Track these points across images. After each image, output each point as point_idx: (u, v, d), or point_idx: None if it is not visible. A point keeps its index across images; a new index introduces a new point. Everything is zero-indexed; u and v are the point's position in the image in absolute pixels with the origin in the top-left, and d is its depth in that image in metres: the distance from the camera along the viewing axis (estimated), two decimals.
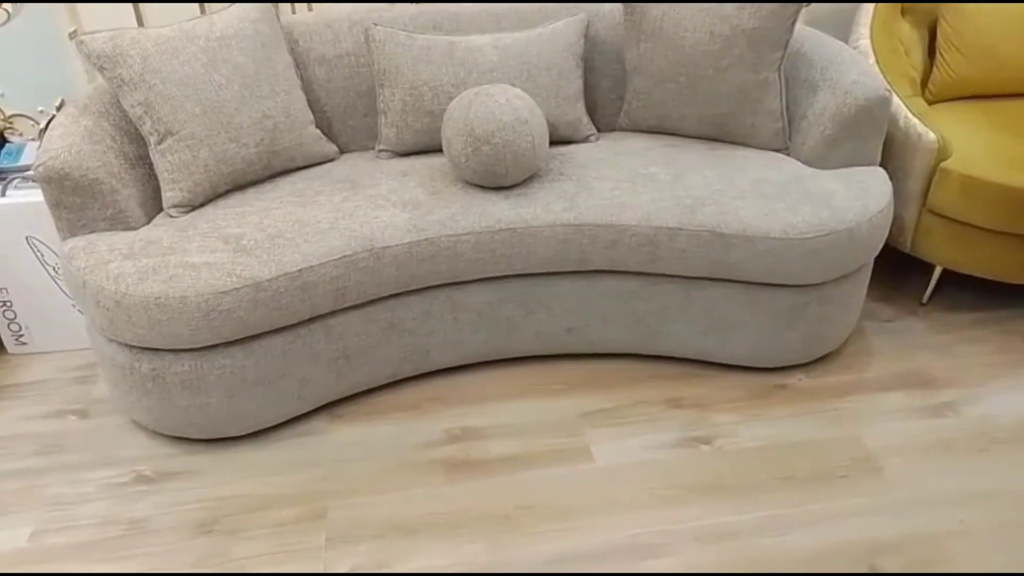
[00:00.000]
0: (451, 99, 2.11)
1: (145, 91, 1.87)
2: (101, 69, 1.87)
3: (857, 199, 1.93)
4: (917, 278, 2.38)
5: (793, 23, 2.04)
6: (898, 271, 2.42)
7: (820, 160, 2.09)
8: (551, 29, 2.21)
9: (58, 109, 2.33)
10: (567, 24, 2.22)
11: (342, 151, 2.29)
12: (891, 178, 2.06)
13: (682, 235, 1.91)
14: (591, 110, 2.33)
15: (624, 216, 1.93)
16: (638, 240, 1.93)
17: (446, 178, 2.06)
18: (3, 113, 2.37)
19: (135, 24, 2.31)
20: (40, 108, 2.37)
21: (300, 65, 2.21)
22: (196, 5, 2.31)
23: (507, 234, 1.92)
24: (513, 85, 2.11)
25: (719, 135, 2.21)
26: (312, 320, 1.87)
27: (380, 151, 2.24)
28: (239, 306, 1.73)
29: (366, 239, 1.86)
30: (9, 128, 2.39)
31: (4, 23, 2.25)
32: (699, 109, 2.17)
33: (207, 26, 1.99)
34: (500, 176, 1.96)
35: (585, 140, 2.27)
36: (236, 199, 2.00)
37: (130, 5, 2.28)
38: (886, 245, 2.15)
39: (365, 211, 1.93)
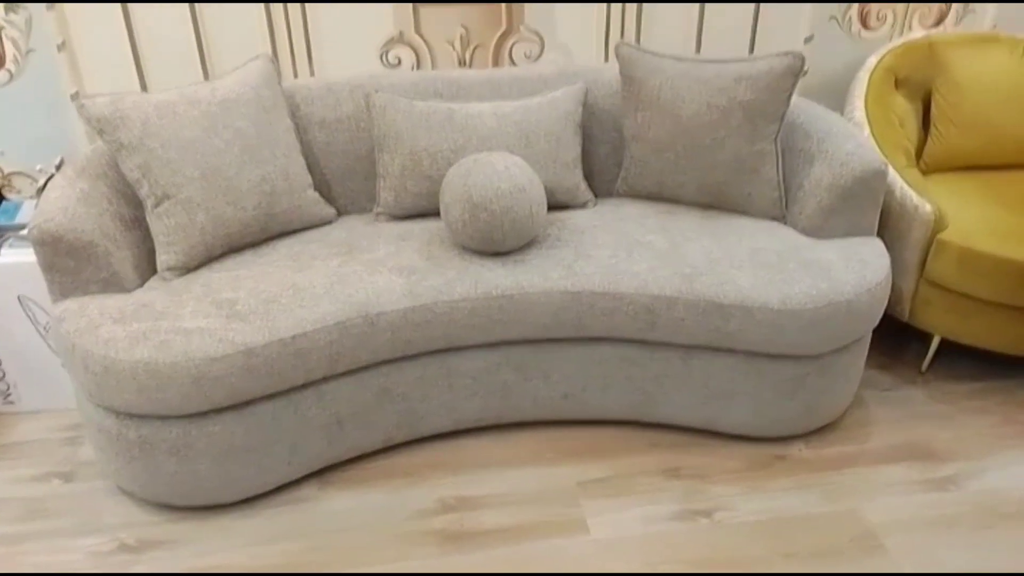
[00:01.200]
0: (450, 165, 2.12)
1: (144, 155, 1.88)
2: (101, 132, 1.87)
3: (855, 270, 1.92)
4: (916, 346, 2.37)
5: (789, 96, 2.07)
6: (896, 339, 2.41)
7: (817, 230, 2.09)
8: (550, 98, 2.23)
9: (57, 168, 2.34)
10: (566, 93, 2.24)
11: (341, 213, 2.30)
12: (888, 248, 2.07)
13: (680, 304, 1.89)
14: (589, 176, 2.35)
15: (622, 284, 1.92)
16: (636, 308, 1.91)
17: (443, 243, 2.06)
18: (2, 171, 2.37)
19: (138, 87, 2.33)
20: (39, 167, 2.38)
21: (301, 128, 2.23)
22: (199, 70, 2.33)
23: (504, 301, 1.91)
24: (512, 152, 2.13)
25: (716, 203, 2.22)
26: (304, 386, 1.84)
27: (378, 214, 2.24)
28: (230, 373, 1.70)
29: (361, 305, 1.84)
30: (7, 186, 2.40)
31: (7, 83, 2.28)
32: (697, 178, 2.19)
33: (209, 91, 2.00)
34: (497, 243, 1.96)
35: (583, 206, 2.28)
36: (232, 262, 1.99)
37: (133, 68, 2.30)
38: (884, 313, 2.14)
39: (361, 276, 1.91)
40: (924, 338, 2.30)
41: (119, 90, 2.28)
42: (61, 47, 2.25)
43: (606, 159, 2.38)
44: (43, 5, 2.19)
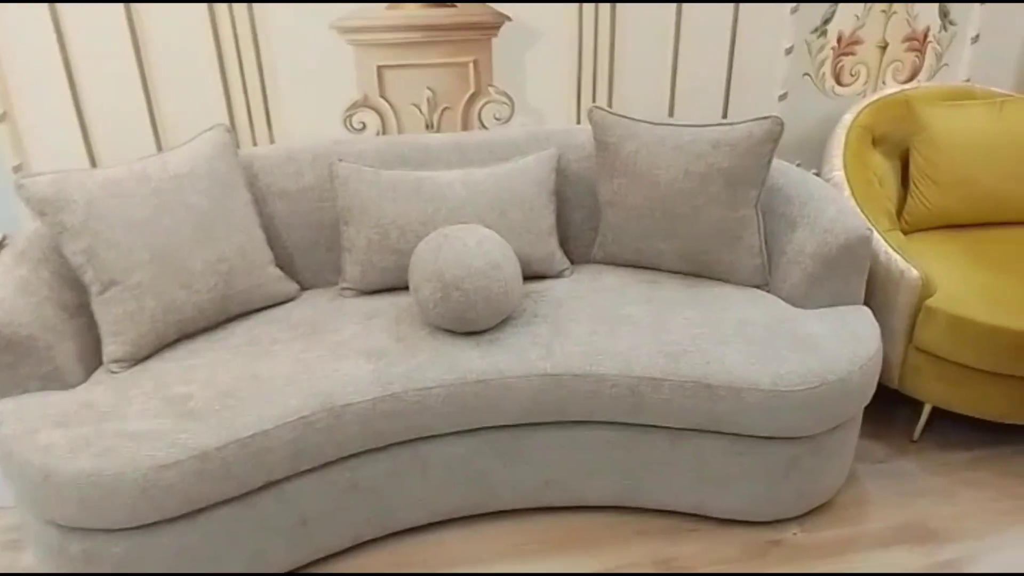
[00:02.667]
0: (419, 238, 2.01)
1: (89, 238, 1.74)
2: (42, 214, 1.74)
3: (846, 344, 1.84)
4: (907, 412, 2.28)
5: (769, 161, 2.00)
6: (887, 405, 2.33)
7: (802, 298, 2.01)
8: (522, 164, 2.14)
9: None
10: (538, 159, 2.16)
11: (304, 287, 2.17)
12: (875, 314, 1.99)
13: (666, 386, 1.79)
14: (564, 242, 2.25)
15: (603, 365, 1.81)
16: (619, 391, 1.81)
17: (413, 321, 1.94)
18: None
19: (87, 160, 2.19)
20: None
21: (260, 200, 2.11)
22: (151, 140, 2.21)
23: (479, 386, 1.79)
24: (483, 223, 2.03)
25: (697, 270, 2.14)
26: (265, 487, 1.70)
27: (343, 288, 2.12)
28: (183, 480, 1.56)
29: (326, 396, 1.71)
30: None
31: None
32: (676, 245, 2.10)
33: (159, 166, 1.88)
34: (471, 322, 1.85)
35: (559, 275, 2.18)
36: (185, 349, 1.85)
37: (81, 140, 2.17)
38: None
39: (326, 363, 1.79)
40: (915, 404, 2.22)
41: (65, 164, 2.14)
42: (2, 117, 2.11)
43: (582, 224, 2.29)
44: None
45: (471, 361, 1.81)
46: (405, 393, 1.76)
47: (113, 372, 1.78)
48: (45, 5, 2.03)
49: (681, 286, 2.10)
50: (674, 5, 2.35)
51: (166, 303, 1.81)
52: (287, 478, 1.72)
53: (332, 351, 1.83)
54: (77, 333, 1.81)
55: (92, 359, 1.82)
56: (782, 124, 1.97)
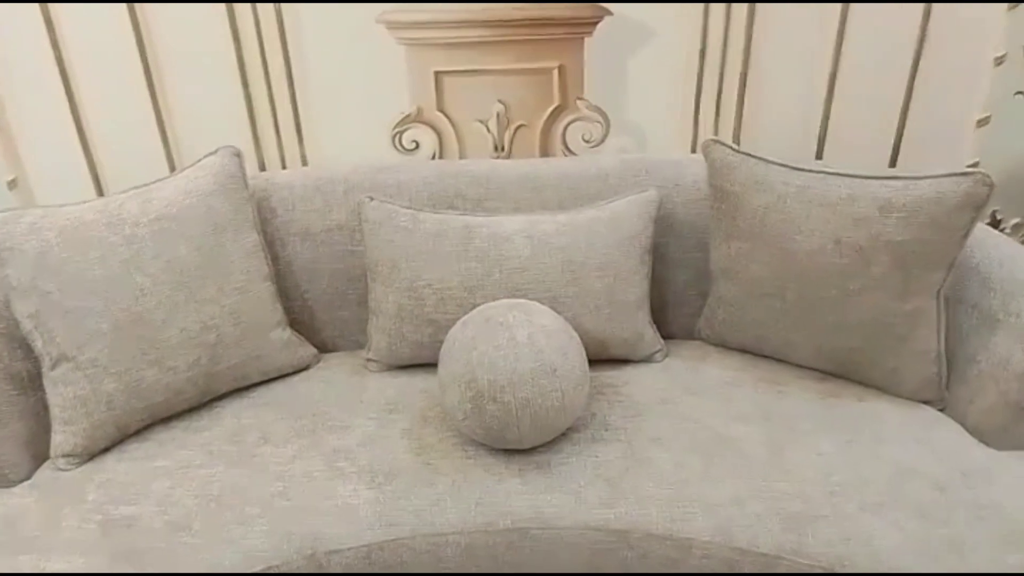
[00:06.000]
0: (461, 308, 1.53)
1: (36, 301, 1.38)
2: None
3: None
4: None
5: (965, 236, 1.38)
6: None
7: (999, 433, 1.39)
8: (609, 212, 1.61)
9: None
10: (631, 205, 1.62)
11: (327, 349, 1.76)
12: None
13: (781, 567, 1.24)
14: (661, 310, 1.72)
15: (692, 523, 1.28)
16: (711, 563, 1.27)
17: (442, 423, 1.47)
18: None
19: (90, 181, 1.85)
20: None
21: (277, 241, 1.69)
22: (163, 156, 1.83)
23: (515, 536, 1.30)
24: (549, 293, 1.53)
25: (841, 371, 1.55)
26: None
27: (369, 360, 1.68)
28: None
29: (307, 538, 1.28)
30: None
31: None
32: (815, 338, 1.52)
33: (140, 205, 1.48)
34: (512, 441, 1.36)
35: (648, 360, 1.65)
36: (153, 441, 1.47)
37: (81, 155, 1.82)
38: None
39: (317, 484, 1.35)
40: None
41: (66, 179, 1.82)
42: None
43: (685, 288, 1.74)
44: None
45: (508, 496, 1.33)
46: (413, 540, 1.30)
47: (60, 469, 1.42)
48: (36, 4, 1.67)
49: (815, 395, 1.52)
50: (837, 4, 1.72)
51: (129, 385, 1.42)
52: None
53: (330, 463, 1.39)
54: (28, 412, 1.45)
55: (43, 446, 1.47)
56: (991, 184, 1.34)
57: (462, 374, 1.33)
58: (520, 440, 1.36)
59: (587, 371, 1.41)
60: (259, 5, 1.71)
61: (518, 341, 1.33)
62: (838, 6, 1.72)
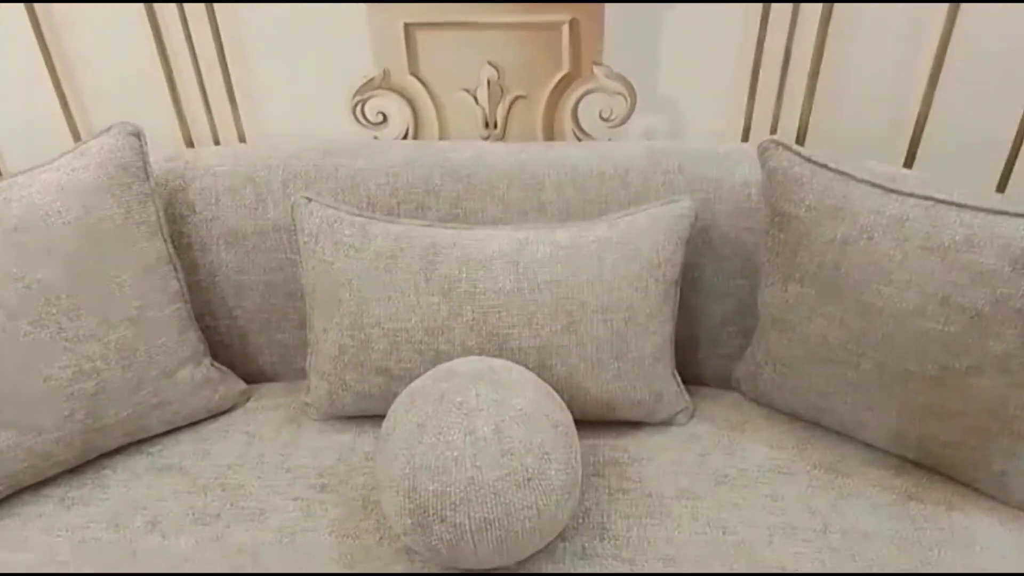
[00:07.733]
0: (420, 356, 1.15)
1: None
2: None
3: None
4: None
5: None
6: None
7: None
8: (624, 229, 1.19)
9: None
10: (655, 222, 1.20)
11: (264, 378, 1.40)
12: None
13: None
14: (690, 347, 1.32)
15: None
16: None
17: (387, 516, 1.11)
18: None
19: None
20: None
21: (197, 246, 1.32)
22: (65, 128, 1.44)
23: None
24: (532, 350, 1.13)
25: (926, 461, 1.14)
26: None
27: (307, 405, 1.31)
28: None
29: None
30: None
31: None
32: (894, 423, 1.11)
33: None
34: (467, 562, 0.99)
35: (669, 422, 1.26)
36: (16, 520, 1.12)
37: None
38: None
39: None
40: None
41: None
42: None
43: (722, 325, 1.34)
44: None
45: None
46: None
47: None
48: None
49: (889, 497, 1.12)
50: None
51: None
52: None
53: (232, 567, 1.05)
54: None
55: None
56: None
57: (399, 479, 0.96)
58: (478, 562, 0.99)
59: (579, 473, 1.02)
60: None
61: (479, 436, 0.94)
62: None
